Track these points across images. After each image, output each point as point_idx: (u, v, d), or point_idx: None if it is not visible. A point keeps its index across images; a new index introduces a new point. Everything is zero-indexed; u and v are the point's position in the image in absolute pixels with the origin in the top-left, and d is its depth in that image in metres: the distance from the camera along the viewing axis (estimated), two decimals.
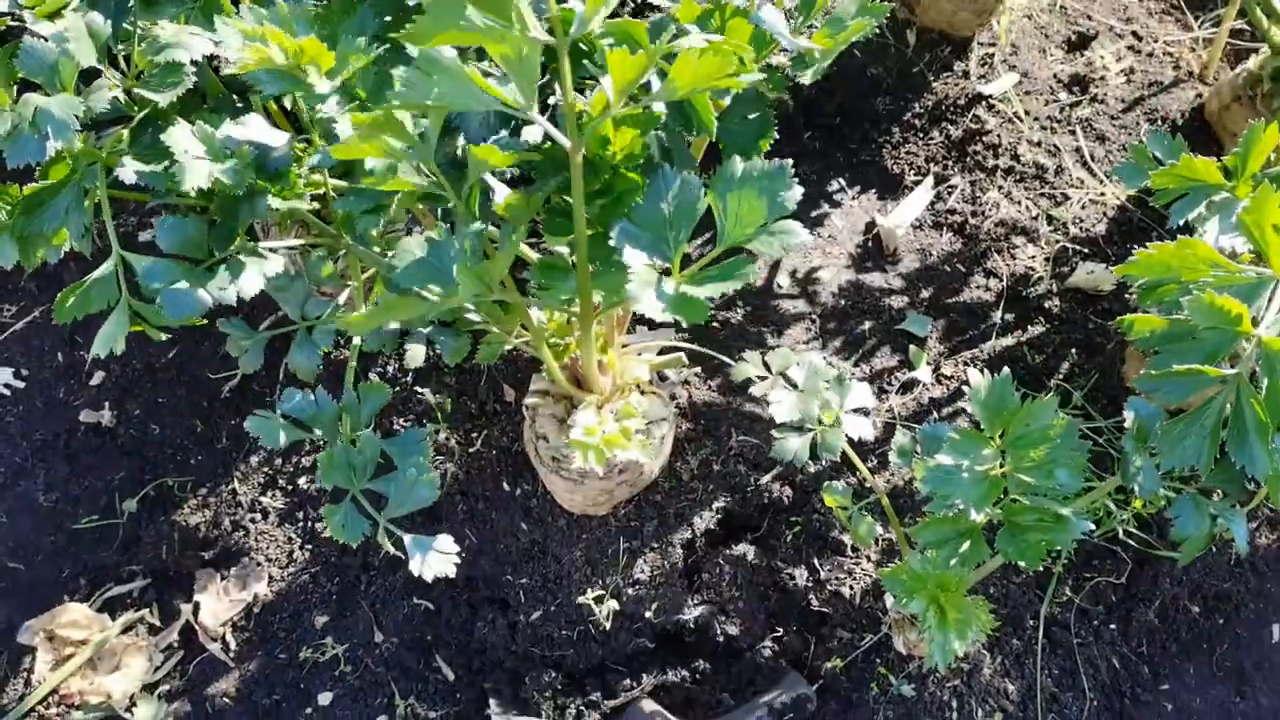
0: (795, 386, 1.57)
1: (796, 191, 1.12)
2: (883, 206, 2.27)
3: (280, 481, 1.93)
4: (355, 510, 1.39)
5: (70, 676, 1.75)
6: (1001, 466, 1.30)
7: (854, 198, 2.28)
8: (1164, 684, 1.81)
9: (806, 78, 1.23)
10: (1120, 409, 1.94)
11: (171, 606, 1.85)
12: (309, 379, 1.57)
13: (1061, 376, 2.03)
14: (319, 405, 1.44)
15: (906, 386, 2.02)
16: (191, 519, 1.90)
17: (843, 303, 2.12)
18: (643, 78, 0.95)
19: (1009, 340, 2.07)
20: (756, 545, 1.86)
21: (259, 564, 1.86)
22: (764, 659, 1.76)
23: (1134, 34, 2.45)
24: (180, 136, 1.25)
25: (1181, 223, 1.30)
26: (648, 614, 1.77)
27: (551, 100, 1.23)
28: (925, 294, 2.13)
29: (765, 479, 1.89)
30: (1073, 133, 2.31)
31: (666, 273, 1.17)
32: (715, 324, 2.07)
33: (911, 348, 2.05)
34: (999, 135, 2.28)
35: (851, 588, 1.81)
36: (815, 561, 1.83)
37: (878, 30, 2.40)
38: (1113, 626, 1.83)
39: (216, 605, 1.82)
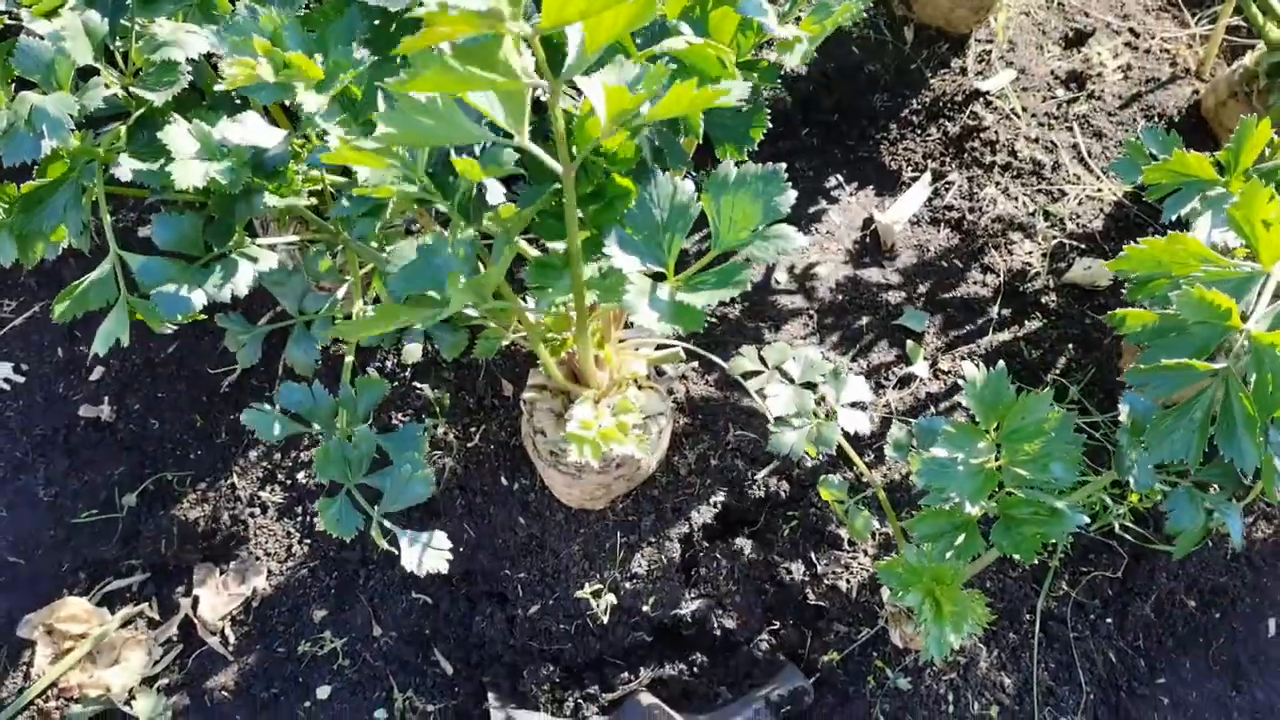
0: (791, 381, 1.58)
1: (790, 195, 1.12)
2: (880, 203, 2.27)
3: (279, 476, 1.94)
4: (350, 504, 1.40)
5: (69, 670, 1.76)
6: (997, 460, 1.31)
7: (851, 194, 2.29)
8: (1160, 678, 1.81)
9: (793, 62, 1.23)
10: (1117, 404, 1.95)
11: (170, 601, 1.86)
12: (307, 373, 1.57)
13: (1058, 371, 2.03)
14: (316, 399, 1.45)
15: (904, 382, 2.03)
16: (190, 514, 1.91)
17: (840, 298, 2.13)
18: (636, 109, 0.95)
19: (1006, 335, 2.08)
20: (753, 539, 1.86)
21: (258, 558, 1.87)
22: (761, 653, 1.77)
23: (1131, 30, 2.45)
24: (177, 134, 1.26)
25: (1174, 218, 1.31)
26: (645, 608, 1.78)
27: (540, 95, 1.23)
28: (922, 289, 2.14)
29: (762, 474, 1.90)
30: (1070, 129, 2.31)
31: (661, 277, 1.17)
32: (713, 320, 2.08)
33: (909, 343, 2.06)
34: (996, 131, 2.28)
35: (848, 582, 1.82)
36: (812, 556, 1.84)
37: (875, 27, 2.41)
38: (1109, 620, 1.84)
39: (215, 599, 1.83)
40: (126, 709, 1.75)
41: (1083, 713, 1.77)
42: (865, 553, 1.85)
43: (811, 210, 2.25)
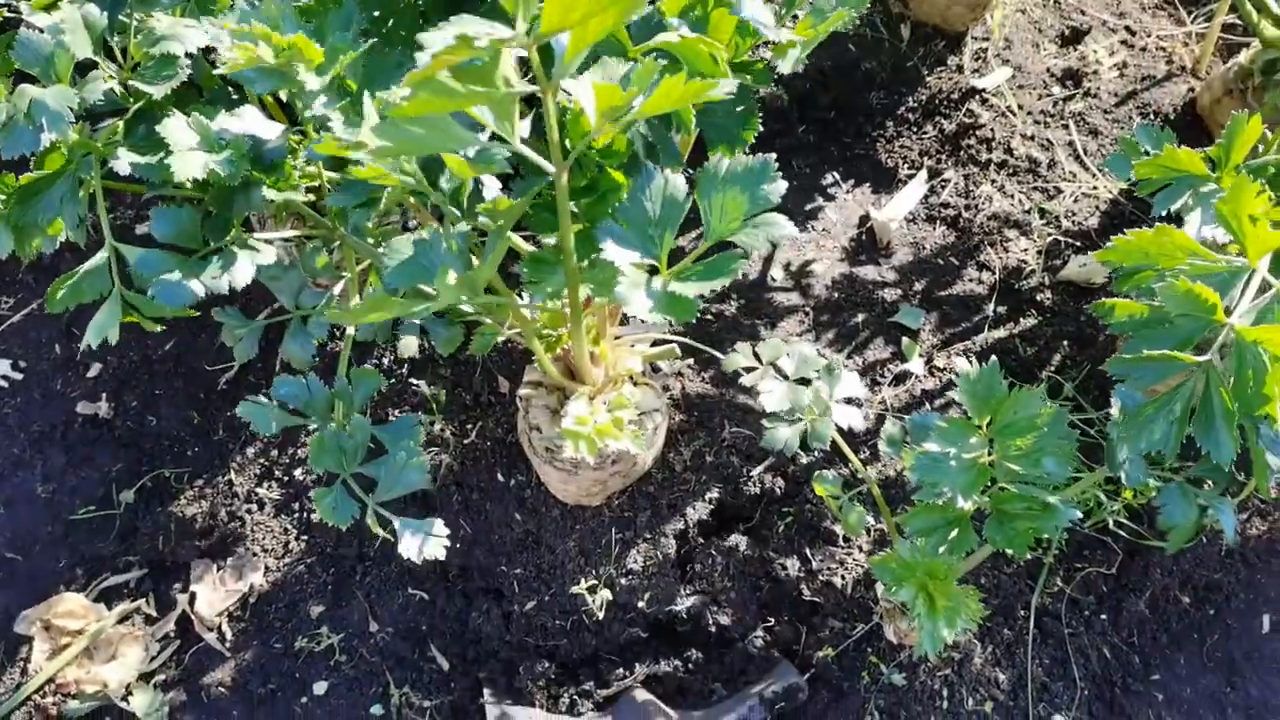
0: (786, 377, 1.58)
1: (780, 185, 1.13)
2: (876, 200, 2.28)
3: (276, 473, 1.95)
4: (345, 493, 1.40)
5: (67, 666, 1.77)
6: (989, 455, 1.32)
7: (848, 191, 2.29)
8: (1154, 674, 1.82)
9: (785, 67, 1.23)
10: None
11: (168, 596, 1.87)
12: (304, 368, 1.58)
13: (1053, 368, 2.04)
14: (311, 391, 1.45)
15: (899, 379, 2.04)
16: (188, 510, 1.91)
17: (836, 295, 2.13)
18: (626, 106, 0.96)
19: (1001, 333, 2.08)
20: (749, 536, 1.87)
21: (255, 554, 1.87)
22: (756, 649, 1.78)
23: (1127, 28, 2.46)
24: (175, 127, 1.26)
25: (1164, 213, 1.31)
26: (641, 604, 1.79)
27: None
28: (918, 287, 2.15)
29: (758, 470, 1.90)
30: (1065, 127, 2.32)
31: (654, 270, 1.18)
32: (709, 316, 2.08)
33: (904, 340, 2.07)
34: (992, 129, 2.29)
35: (843, 578, 1.82)
36: (807, 552, 1.85)
37: (871, 25, 2.42)
38: (1103, 616, 1.84)
39: (212, 595, 1.84)
40: (124, 705, 1.75)
41: (1077, 708, 1.77)
42: (860, 549, 1.86)
43: (808, 207, 2.26)
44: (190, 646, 1.82)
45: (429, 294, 1.19)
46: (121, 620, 1.83)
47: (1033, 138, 2.29)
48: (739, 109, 1.27)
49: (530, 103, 1.21)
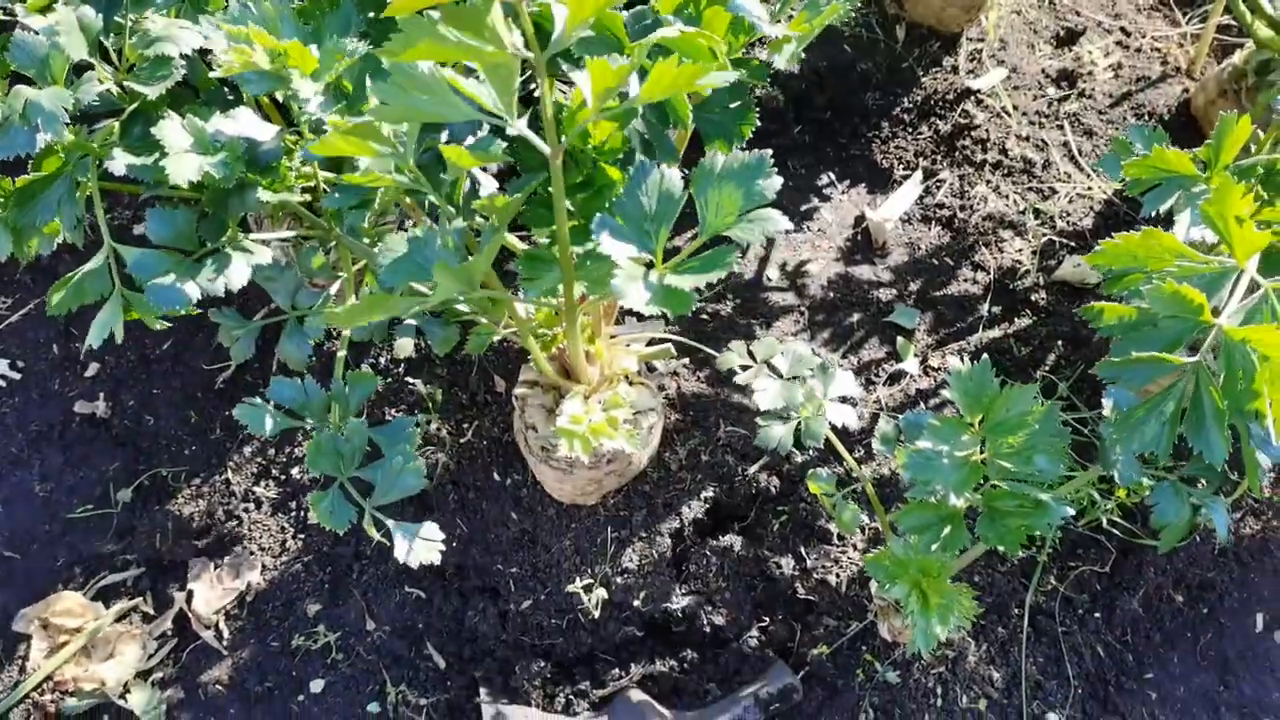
0: (780, 375, 1.59)
1: (775, 181, 1.13)
2: (872, 200, 2.28)
3: (273, 472, 1.95)
4: (342, 497, 1.41)
5: (64, 664, 1.77)
6: (982, 452, 1.32)
7: (843, 192, 2.30)
8: (1148, 672, 1.82)
9: (781, 63, 1.24)
10: None
11: (165, 595, 1.87)
12: (300, 369, 1.58)
13: (1047, 368, 2.05)
14: (308, 394, 1.45)
15: (894, 378, 2.04)
16: (185, 508, 1.92)
17: (831, 295, 2.14)
18: (621, 86, 0.96)
19: (996, 332, 2.09)
20: (744, 535, 1.87)
21: (252, 553, 1.88)
22: (750, 649, 1.78)
23: (1122, 29, 2.47)
24: (171, 129, 1.27)
25: (1154, 213, 1.32)
26: (636, 603, 1.79)
27: (533, 88, 1.24)
28: (913, 287, 2.15)
29: (753, 469, 1.91)
30: (1060, 127, 2.32)
31: (650, 265, 1.18)
32: (704, 316, 2.09)
33: (899, 340, 2.07)
34: (987, 130, 2.30)
35: (837, 576, 1.83)
36: (801, 550, 1.85)
37: (867, 25, 2.42)
38: (1097, 615, 1.85)
39: (210, 593, 1.84)
40: (121, 702, 1.76)
41: (1071, 706, 1.78)
42: (854, 547, 1.86)
43: (804, 208, 2.27)
44: (188, 645, 1.83)
45: (425, 293, 1.20)
46: (119, 618, 1.84)
47: (1028, 138, 2.30)
48: (736, 104, 1.27)
49: (527, 102, 1.22)
